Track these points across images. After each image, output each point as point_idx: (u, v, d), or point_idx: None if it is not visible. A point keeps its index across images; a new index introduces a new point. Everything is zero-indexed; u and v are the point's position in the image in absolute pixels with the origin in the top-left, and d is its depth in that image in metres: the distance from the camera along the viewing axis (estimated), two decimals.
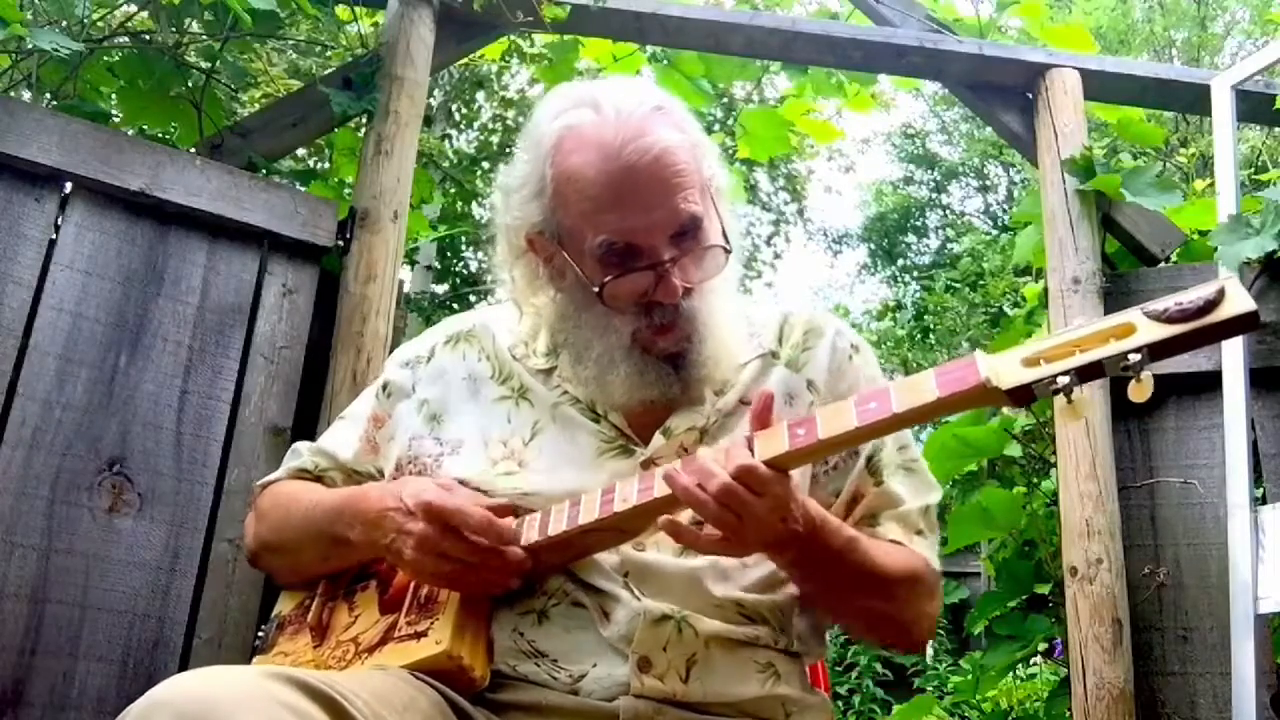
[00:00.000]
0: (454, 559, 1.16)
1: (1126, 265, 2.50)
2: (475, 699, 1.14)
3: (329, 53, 3.29)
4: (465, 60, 5.17)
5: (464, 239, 10.38)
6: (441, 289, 11.18)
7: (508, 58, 6.57)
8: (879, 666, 6.76)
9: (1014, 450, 2.63)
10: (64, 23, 2.19)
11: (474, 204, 9.78)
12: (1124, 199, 2.38)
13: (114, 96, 2.41)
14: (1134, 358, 0.94)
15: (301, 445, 1.46)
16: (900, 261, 18.51)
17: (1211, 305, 0.93)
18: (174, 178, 2.05)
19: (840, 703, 6.54)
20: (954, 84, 2.76)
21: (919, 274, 17.04)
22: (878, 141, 18.73)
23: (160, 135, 2.44)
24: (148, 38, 2.43)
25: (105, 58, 2.37)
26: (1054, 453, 2.33)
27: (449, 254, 11.11)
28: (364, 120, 2.40)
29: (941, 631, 6.68)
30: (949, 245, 17.11)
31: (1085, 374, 0.96)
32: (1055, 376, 0.96)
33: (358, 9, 2.59)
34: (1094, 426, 2.21)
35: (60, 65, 2.20)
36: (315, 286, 2.21)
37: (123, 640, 1.85)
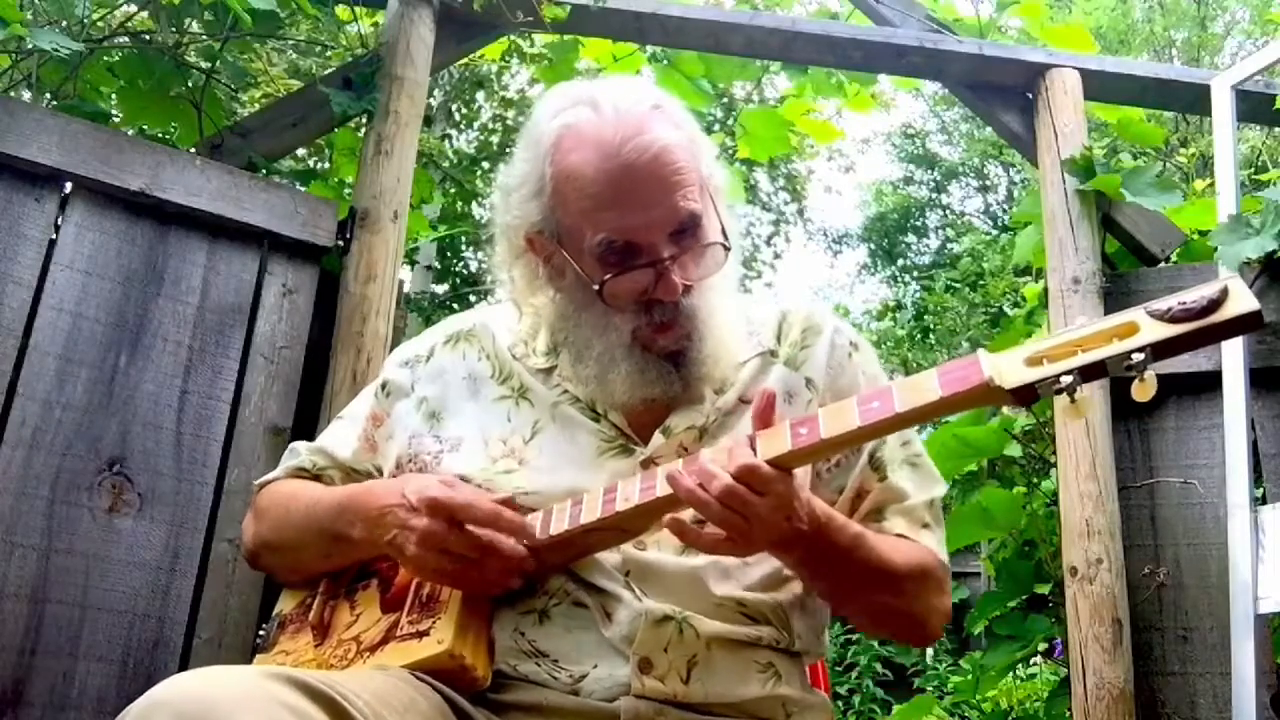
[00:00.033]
0: (456, 555, 1.16)
1: (1126, 265, 2.50)
2: (476, 699, 1.14)
3: (329, 53, 3.29)
4: (465, 60, 5.17)
5: (464, 239, 10.37)
6: (441, 289, 11.18)
7: (508, 58, 6.57)
8: (879, 666, 6.76)
9: (1014, 450, 2.63)
10: (64, 23, 2.19)
11: (474, 204, 9.78)
12: (1124, 199, 2.38)
13: (114, 96, 2.41)
14: (1137, 357, 0.94)
15: (300, 445, 1.46)
16: (900, 261, 18.51)
17: (1215, 305, 0.93)
18: (174, 178, 2.05)
19: (840, 703, 6.54)
20: (954, 84, 2.76)
21: (919, 274, 17.04)
22: (878, 141, 18.74)
23: (160, 135, 2.44)
24: (148, 38, 2.43)
25: (105, 58, 2.37)
26: (1054, 453, 2.33)
27: (449, 254, 11.11)
28: (364, 120, 2.40)
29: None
30: (949, 245, 17.10)
31: (1088, 373, 0.96)
32: (1058, 376, 0.96)
33: (358, 9, 2.59)
34: (1094, 426, 2.21)
35: (60, 65, 2.20)
36: (315, 286, 2.21)
37: (123, 640, 1.85)
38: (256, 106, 3.07)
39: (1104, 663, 2.09)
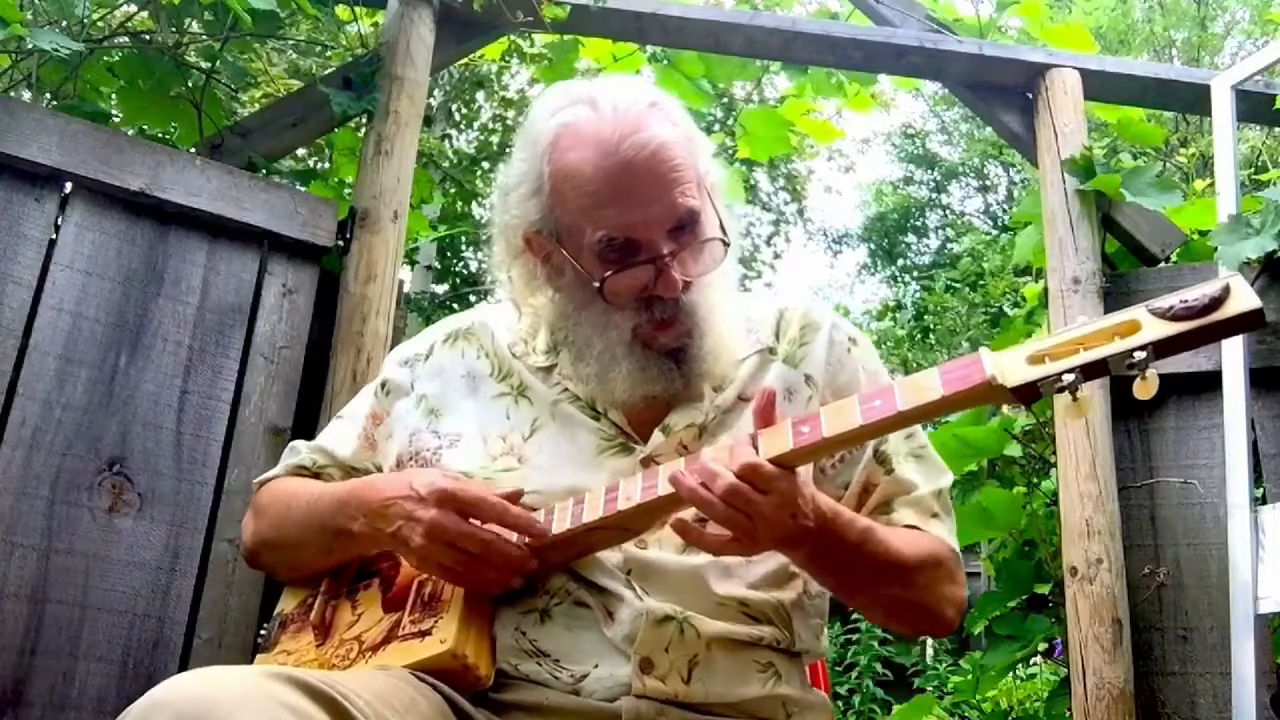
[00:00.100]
0: (461, 550, 1.16)
1: (1126, 265, 2.50)
2: (477, 699, 1.13)
3: (329, 53, 3.29)
4: (465, 60, 5.17)
5: (464, 239, 10.38)
6: (441, 289, 11.18)
7: (508, 58, 6.57)
8: (879, 666, 6.77)
9: (1014, 450, 2.63)
10: (64, 23, 2.19)
11: (474, 204, 9.79)
12: (1124, 199, 2.38)
13: (114, 96, 2.41)
14: (1139, 355, 0.94)
15: (299, 443, 1.46)
16: (900, 261, 18.52)
17: (1217, 303, 0.93)
18: (174, 178, 2.05)
19: (840, 703, 6.54)
20: (954, 84, 2.76)
21: (919, 274, 17.05)
22: (878, 141, 18.75)
23: (160, 135, 2.44)
24: (148, 38, 2.43)
25: (105, 58, 2.37)
26: (1054, 453, 2.33)
27: (449, 254, 11.12)
28: (364, 120, 2.40)
29: (937, 636, 6.68)
30: (949, 245, 17.11)
31: (1090, 372, 0.96)
32: (1060, 374, 0.96)
33: (358, 9, 2.59)
34: (1094, 426, 2.21)
35: (60, 65, 2.20)
36: (315, 286, 2.21)
37: (123, 640, 1.85)
38: (256, 106, 3.07)
39: (1104, 663, 2.09)
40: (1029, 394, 0.98)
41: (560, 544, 1.17)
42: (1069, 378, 0.96)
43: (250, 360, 2.09)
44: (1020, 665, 3.90)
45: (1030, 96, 2.58)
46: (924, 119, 18.28)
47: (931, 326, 13.39)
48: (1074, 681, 2.13)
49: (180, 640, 1.90)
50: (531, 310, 1.34)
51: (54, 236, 1.95)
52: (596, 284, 1.20)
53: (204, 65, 2.38)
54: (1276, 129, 5.99)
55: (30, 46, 2.00)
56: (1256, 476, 2.11)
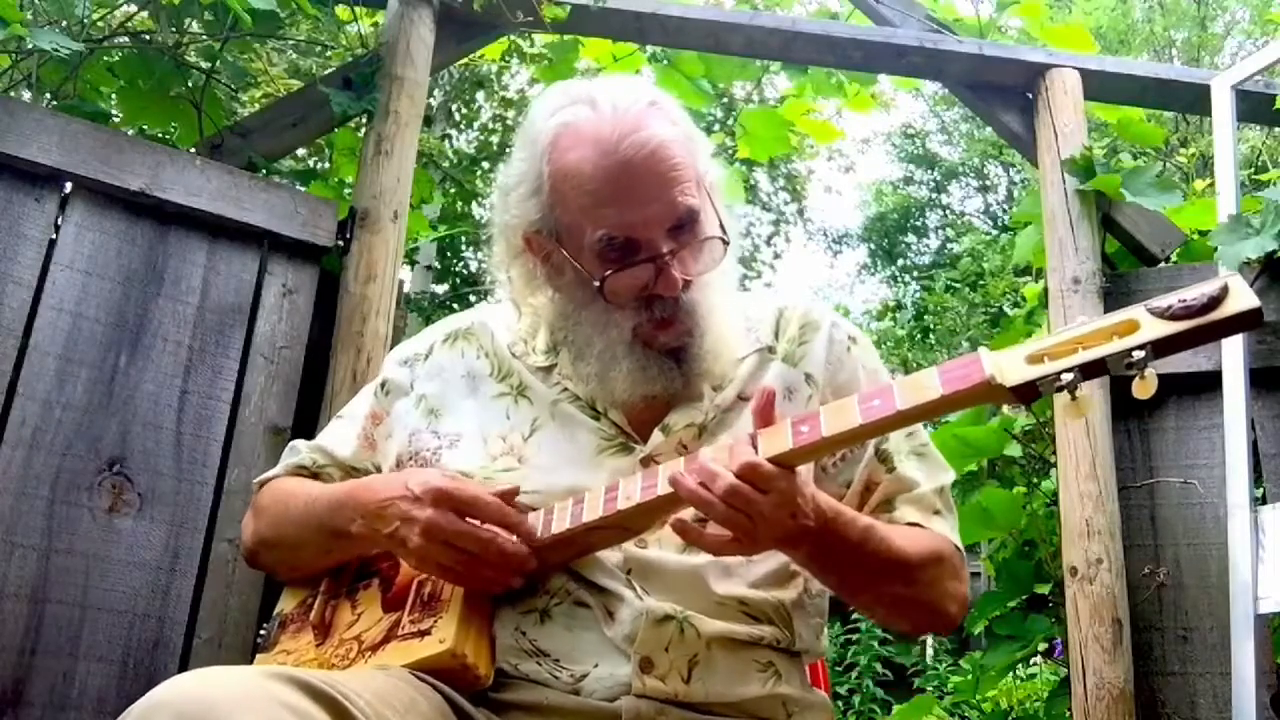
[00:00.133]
0: (459, 549, 1.16)
1: (1126, 265, 2.50)
2: (477, 699, 1.13)
3: (329, 53, 3.29)
4: (465, 60, 5.17)
5: (464, 239, 10.38)
6: (441, 289, 11.18)
7: (508, 58, 6.58)
8: (879, 666, 6.77)
9: (1014, 450, 2.63)
10: (64, 23, 2.19)
11: (474, 204, 9.79)
12: (1124, 199, 2.38)
13: (114, 96, 2.41)
14: (1138, 354, 0.94)
15: (299, 443, 1.46)
16: (900, 261, 18.52)
17: (1215, 302, 0.93)
18: (174, 178, 2.05)
19: (840, 703, 6.54)
20: (954, 84, 2.76)
21: (919, 274, 17.05)
22: (878, 141, 18.76)
23: (160, 135, 2.44)
24: (148, 38, 2.43)
25: (105, 58, 2.37)
26: (1054, 453, 2.33)
27: (449, 254, 11.12)
28: (364, 120, 2.40)
29: (940, 634, 6.68)
30: (949, 245, 17.12)
31: (1089, 371, 0.96)
32: (1059, 373, 0.96)
33: (358, 9, 2.59)
34: (1094, 426, 2.21)
35: (60, 65, 2.20)
36: (315, 286, 2.21)
37: (123, 640, 1.85)
38: (256, 106, 3.07)
39: (1104, 663, 2.09)
40: (1028, 393, 0.98)
41: (560, 543, 1.17)
42: (1068, 377, 0.96)
43: (250, 360, 2.09)
44: (1020, 665, 3.90)
45: (1030, 96, 2.58)
46: (924, 119, 18.30)
47: (931, 326, 13.40)
48: (1074, 681, 2.13)
49: (180, 640, 1.90)
50: (531, 310, 1.34)
51: (54, 236, 1.95)
52: (597, 283, 1.20)
53: (204, 65, 2.38)
54: (1276, 129, 5.99)
55: (30, 46, 2.00)
56: (1256, 476, 2.11)
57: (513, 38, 3.48)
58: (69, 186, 1.98)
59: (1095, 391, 2.22)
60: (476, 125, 10.51)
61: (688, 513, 1.11)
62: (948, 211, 18.66)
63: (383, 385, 1.41)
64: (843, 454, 1.29)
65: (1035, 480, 2.67)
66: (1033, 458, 2.68)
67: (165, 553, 1.92)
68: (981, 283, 12.37)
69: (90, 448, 1.89)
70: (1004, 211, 16.64)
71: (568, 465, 1.24)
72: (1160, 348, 0.94)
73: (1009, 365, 0.99)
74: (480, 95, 10.16)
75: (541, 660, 1.16)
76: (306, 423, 2.09)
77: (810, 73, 3.02)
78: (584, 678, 1.14)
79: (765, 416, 1.10)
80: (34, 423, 1.85)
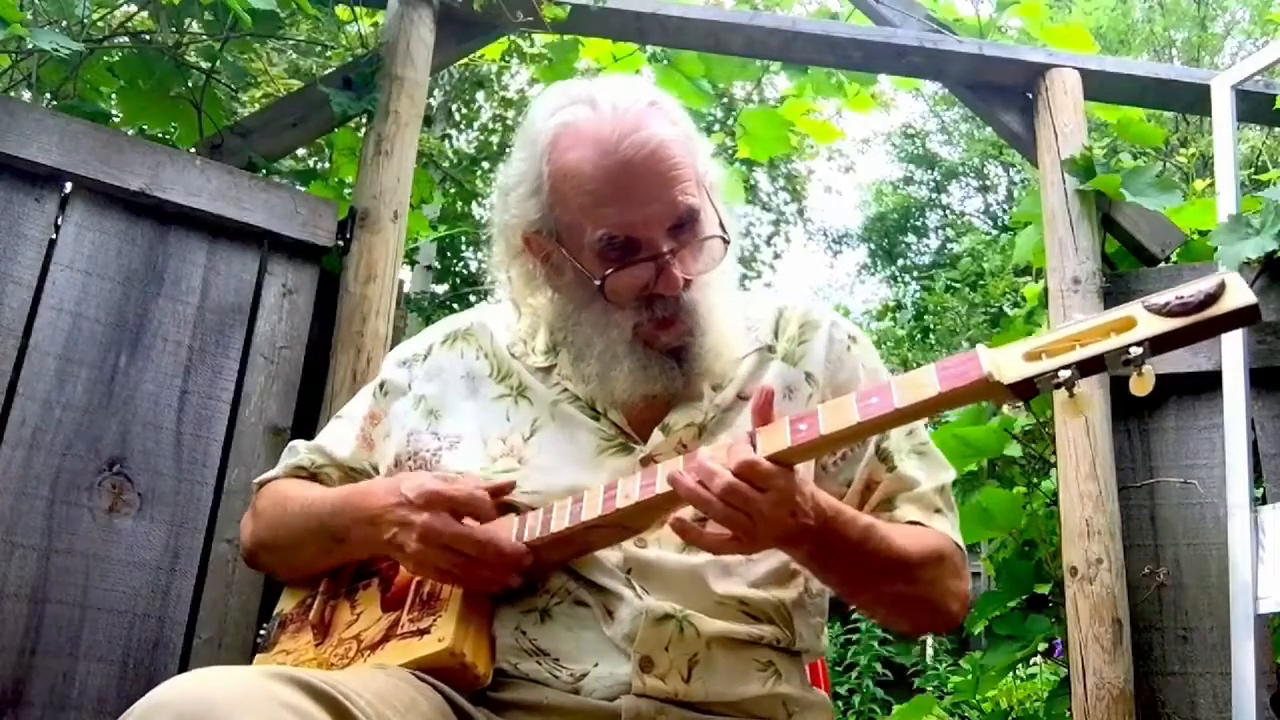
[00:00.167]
0: (457, 551, 1.16)
1: (1126, 265, 2.50)
2: (476, 698, 1.14)
3: (329, 53, 3.29)
4: (465, 60, 5.17)
5: (464, 239, 10.38)
6: (441, 289, 11.18)
7: (508, 58, 6.58)
8: (879, 666, 6.76)
9: (1014, 450, 2.63)
10: (64, 23, 2.19)
11: (474, 204, 9.79)
12: (1124, 199, 2.38)
13: (114, 96, 2.41)
14: (1135, 351, 0.94)
15: (298, 443, 1.46)
16: (900, 261, 18.53)
17: (1212, 299, 0.93)
18: (174, 178, 2.05)
19: (840, 703, 6.54)
20: (954, 84, 2.76)
21: (919, 274, 17.06)
22: (878, 141, 18.76)
23: (160, 135, 2.44)
24: (148, 38, 2.43)
25: (105, 58, 2.37)
26: (1054, 453, 2.33)
27: (449, 254, 11.12)
28: (364, 120, 2.40)
29: (942, 632, 6.68)
30: (949, 245, 17.12)
31: (1087, 368, 0.96)
32: (1057, 370, 0.96)
33: (358, 9, 2.59)
34: (1094, 426, 2.21)
35: (60, 65, 2.20)
36: (315, 286, 2.21)
37: (123, 640, 1.85)
38: (256, 106, 3.07)
39: (1104, 663, 2.09)
40: (1025, 390, 0.98)
41: (560, 542, 1.17)
42: (1065, 374, 0.96)
43: (250, 360, 2.09)
44: (1020, 665, 3.90)
45: (1030, 96, 2.58)
46: (924, 119, 18.30)
47: (931, 326, 13.40)
48: (1074, 681, 2.13)
49: (180, 640, 1.90)
50: (531, 310, 1.34)
51: (54, 236, 1.95)
52: (597, 282, 1.20)
53: (204, 65, 2.38)
54: (1276, 129, 5.99)
55: (30, 46, 2.00)
56: (1256, 476, 2.11)
57: (513, 38, 3.48)
58: (69, 186, 1.98)
59: (1095, 391, 2.22)
60: (476, 125, 10.51)
61: (688, 512, 1.11)
62: (948, 211, 18.67)
63: (381, 386, 1.41)
64: (843, 453, 1.29)
65: (1035, 480, 2.67)
66: (1033, 458, 2.68)
67: (165, 553, 1.92)
68: (981, 283, 12.37)
69: (90, 448, 1.89)
70: (1004, 211, 16.65)
71: (568, 466, 1.24)
72: (1157, 344, 0.94)
73: (1006, 362, 0.99)
74: (480, 95, 10.16)
75: (541, 659, 1.16)
76: (306, 423, 2.09)
77: (810, 73, 3.02)
78: (584, 677, 1.14)
79: (764, 415, 1.10)
80: (34, 423, 1.85)
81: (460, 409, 1.32)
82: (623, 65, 2.96)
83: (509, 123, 9.49)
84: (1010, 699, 4.14)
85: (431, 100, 8.69)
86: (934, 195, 18.76)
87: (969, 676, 3.94)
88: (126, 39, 2.47)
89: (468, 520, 1.17)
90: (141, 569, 1.89)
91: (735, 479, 1.04)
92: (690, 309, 1.22)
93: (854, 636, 6.83)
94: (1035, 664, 4.22)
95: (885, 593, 1.23)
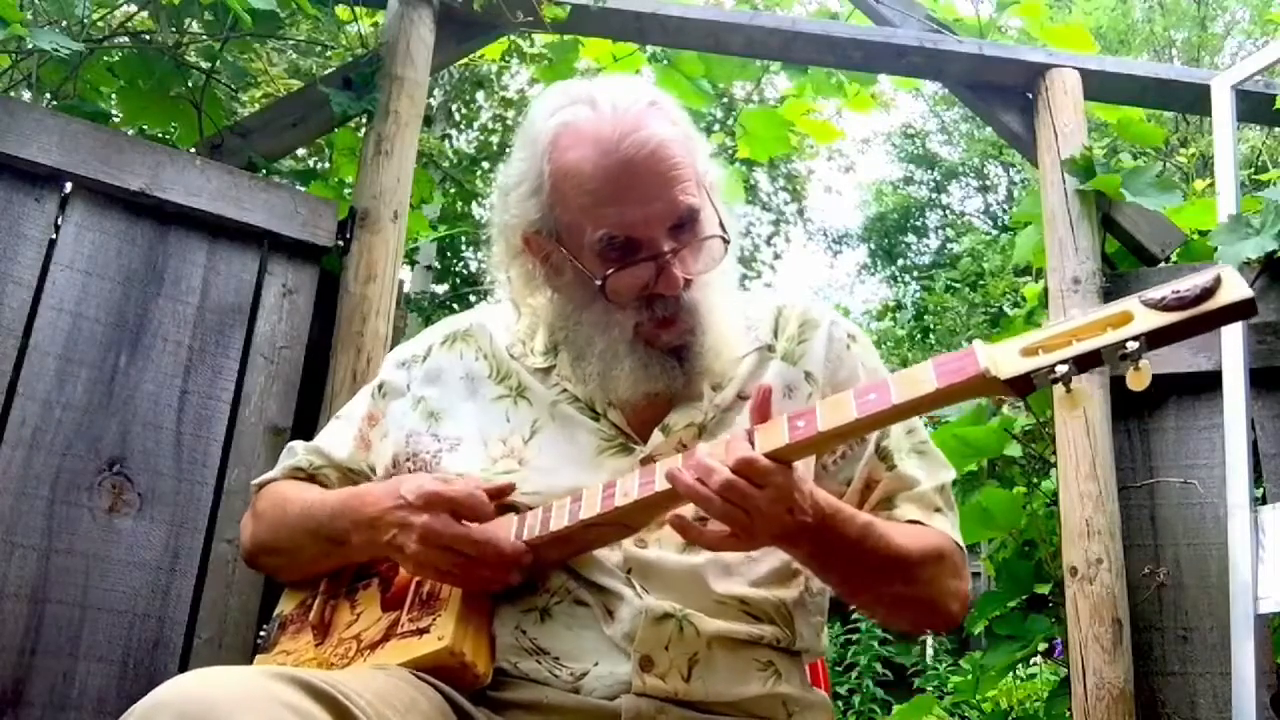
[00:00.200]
0: (457, 551, 1.16)
1: (1126, 265, 2.50)
2: (476, 697, 1.14)
3: (329, 53, 3.29)
4: (465, 60, 5.17)
5: (464, 239, 10.38)
6: (441, 289, 11.18)
7: (508, 58, 6.58)
8: (879, 666, 6.76)
9: (1014, 450, 2.63)
10: (64, 23, 2.19)
11: (474, 204, 9.79)
12: (1124, 199, 2.38)
13: (114, 96, 2.41)
14: (1132, 345, 0.94)
15: (297, 444, 1.46)
16: (900, 261, 18.53)
17: (1208, 293, 0.93)
18: (174, 178, 2.05)
19: (840, 703, 6.53)
20: (954, 84, 2.76)
21: (919, 274, 17.06)
22: (878, 141, 18.76)
23: (160, 135, 2.44)
24: (148, 38, 2.43)
25: (105, 58, 2.37)
26: (1054, 453, 2.33)
27: (449, 254, 11.12)
28: (364, 120, 2.40)
29: (942, 632, 6.68)
30: (949, 245, 17.12)
31: (1083, 363, 0.96)
32: (1054, 365, 0.96)
33: (358, 9, 2.59)
34: (1094, 426, 2.21)
35: (60, 65, 2.20)
36: (315, 286, 2.21)
37: (123, 640, 1.85)
38: (256, 106, 3.07)
39: (1104, 663, 2.09)
40: (1023, 386, 0.98)
41: (559, 541, 1.17)
42: (1062, 369, 0.96)
43: (250, 360, 2.09)
44: (1020, 665, 3.90)
45: (1030, 96, 2.58)
46: (924, 119, 18.30)
47: (931, 326, 13.40)
48: (1074, 681, 2.13)
49: (180, 640, 1.90)
50: (530, 310, 1.34)
51: (54, 236, 1.95)
52: (598, 282, 1.20)
53: (204, 65, 2.38)
54: (1276, 129, 6.00)
55: (30, 46, 2.00)
56: (1256, 476, 2.11)
57: (513, 38, 3.49)
58: (69, 186, 1.98)
59: (1095, 391, 2.22)
60: (476, 125, 10.51)
61: (688, 510, 1.11)
62: (948, 211, 18.67)
63: (380, 387, 1.41)
64: (843, 451, 1.29)
65: (1035, 480, 2.67)
66: (1033, 458, 2.68)
67: (165, 553, 1.92)
68: (981, 283, 12.38)
69: (90, 448, 1.89)
70: (1004, 211, 16.65)
71: (568, 466, 1.24)
72: (1154, 339, 0.94)
73: (1004, 358, 0.99)
74: (480, 95, 10.16)
75: (541, 659, 1.16)
76: (306, 423, 2.09)
77: (810, 73, 3.02)
78: (584, 676, 1.14)
79: (762, 413, 1.10)
80: (34, 423, 1.85)
81: (460, 410, 1.32)
82: (623, 65, 2.96)
83: (509, 123, 9.49)
84: (1010, 699, 4.14)
85: (431, 100, 8.69)
86: (934, 195, 18.76)
87: (969, 676, 3.94)
88: (126, 39, 2.47)
89: (467, 521, 1.17)
90: (141, 569, 1.89)
91: (733, 475, 1.04)
92: (691, 308, 1.22)
93: (854, 636, 6.83)
94: (1035, 664, 4.22)
95: (885, 592, 1.23)
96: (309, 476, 1.41)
